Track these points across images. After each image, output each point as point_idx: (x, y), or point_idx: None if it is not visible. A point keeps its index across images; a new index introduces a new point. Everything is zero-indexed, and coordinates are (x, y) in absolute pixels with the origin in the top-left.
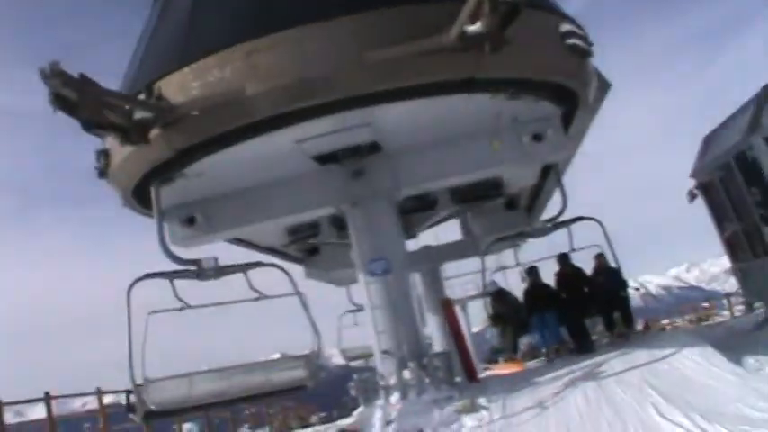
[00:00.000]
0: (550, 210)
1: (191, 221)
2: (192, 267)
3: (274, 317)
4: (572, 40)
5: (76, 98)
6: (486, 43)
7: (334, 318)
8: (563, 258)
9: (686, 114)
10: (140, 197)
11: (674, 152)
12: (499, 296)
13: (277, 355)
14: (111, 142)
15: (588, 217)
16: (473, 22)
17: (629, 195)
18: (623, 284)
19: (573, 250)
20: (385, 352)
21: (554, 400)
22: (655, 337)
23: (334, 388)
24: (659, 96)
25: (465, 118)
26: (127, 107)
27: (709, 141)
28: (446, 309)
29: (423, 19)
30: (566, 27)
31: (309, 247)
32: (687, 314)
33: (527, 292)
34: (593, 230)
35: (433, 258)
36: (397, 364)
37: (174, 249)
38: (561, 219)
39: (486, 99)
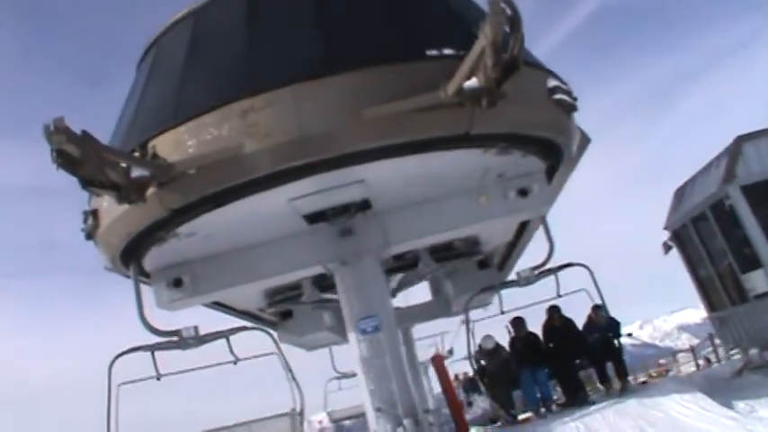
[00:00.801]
0: (522, 264)
1: (177, 284)
2: (174, 338)
3: (253, 382)
4: (559, 95)
5: (79, 155)
6: (484, 98)
7: (310, 384)
8: (553, 310)
9: (632, 176)
10: (127, 260)
11: (625, 215)
12: (494, 352)
13: None
14: (99, 202)
15: (577, 263)
16: (470, 78)
17: (581, 256)
18: (617, 333)
19: (559, 296)
20: (379, 410)
21: None
22: (643, 387)
23: None
24: (604, 159)
25: (453, 174)
26: (124, 165)
27: (681, 193)
28: (437, 366)
29: (419, 75)
30: (552, 82)
31: (284, 310)
32: (651, 369)
33: (515, 345)
34: (574, 278)
35: (404, 320)
36: (391, 422)
37: (161, 312)
38: (548, 266)
39: (477, 155)
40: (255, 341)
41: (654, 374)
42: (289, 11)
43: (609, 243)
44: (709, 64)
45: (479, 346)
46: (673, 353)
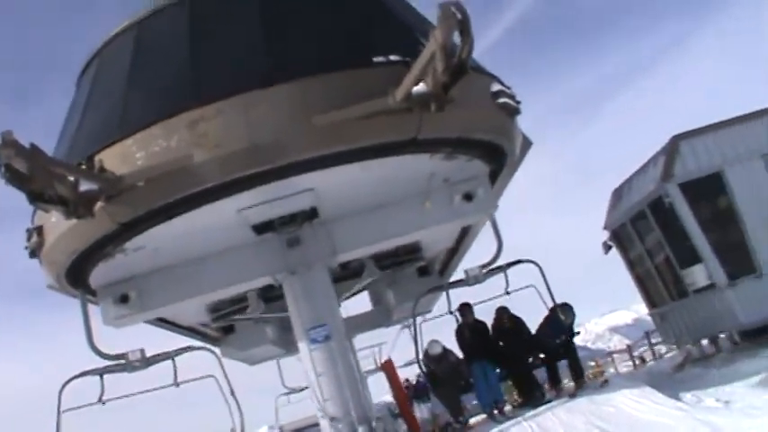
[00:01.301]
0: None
1: (124, 299)
2: (121, 361)
3: (196, 401)
4: (502, 99)
5: (28, 169)
6: (432, 103)
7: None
8: (503, 311)
9: (564, 179)
10: (73, 278)
11: (558, 216)
12: (443, 357)
13: None
14: (44, 218)
15: (526, 260)
16: (417, 83)
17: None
18: (572, 331)
19: (508, 293)
20: (333, 419)
21: None
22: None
23: None
24: (537, 161)
25: (400, 180)
26: (72, 179)
27: (619, 193)
28: (389, 371)
29: (367, 82)
30: (496, 86)
31: (226, 325)
32: (587, 371)
33: (462, 333)
34: (522, 276)
35: (346, 330)
36: (346, 430)
37: (103, 333)
38: (497, 264)
39: (424, 160)
40: (198, 360)
41: (591, 376)
42: (233, 19)
43: (540, 245)
44: (639, 68)
45: (426, 351)
46: (608, 353)
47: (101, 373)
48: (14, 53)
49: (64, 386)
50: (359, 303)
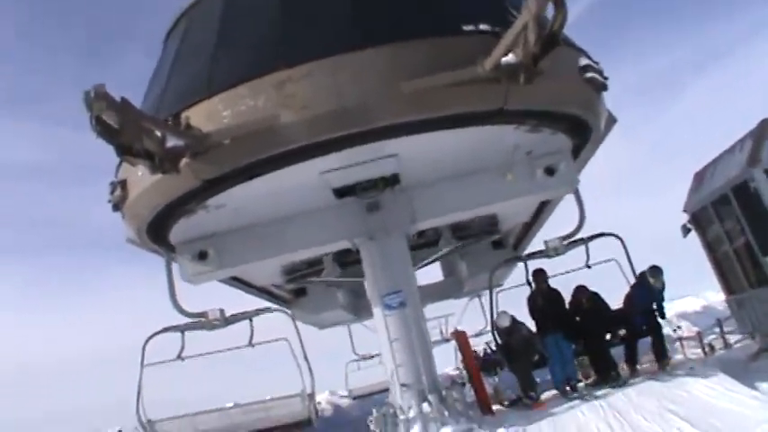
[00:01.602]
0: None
1: (202, 256)
2: (201, 319)
3: (267, 361)
4: (590, 74)
5: (118, 122)
6: (521, 74)
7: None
8: (580, 292)
9: (642, 161)
10: (153, 233)
11: (633, 199)
12: (513, 329)
13: None
14: (129, 172)
15: (609, 233)
16: (507, 54)
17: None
18: (662, 297)
19: (589, 266)
20: (404, 385)
21: (575, 429)
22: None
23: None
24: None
25: (484, 151)
26: (159, 135)
27: (701, 176)
28: (461, 342)
29: (456, 50)
30: (584, 61)
31: (298, 287)
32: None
33: (535, 301)
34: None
35: None
36: (416, 398)
37: (185, 285)
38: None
39: (509, 131)
40: (268, 321)
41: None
42: None
43: (610, 225)
44: (718, 52)
45: (495, 323)
46: (677, 339)
47: (182, 329)
48: (85, 14)
49: (147, 341)
50: (429, 273)
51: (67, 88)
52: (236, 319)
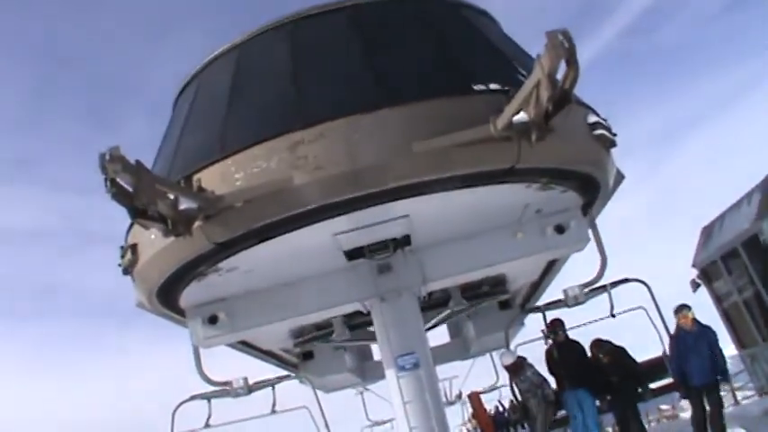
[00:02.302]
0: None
1: (213, 320)
2: (225, 388)
3: (291, 427)
4: (599, 131)
5: (133, 185)
6: (533, 132)
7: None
8: (597, 347)
9: (644, 217)
10: (163, 297)
11: (621, 259)
12: (518, 368)
13: None
14: (139, 236)
15: (634, 278)
16: (518, 112)
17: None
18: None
19: (614, 315)
20: None
21: None
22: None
23: None
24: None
25: (494, 210)
26: (172, 197)
27: (709, 231)
28: (475, 402)
29: (467, 110)
30: (592, 118)
31: (305, 351)
32: (652, 416)
33: (551, 355)
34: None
35: None
36: None
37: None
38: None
39: (520, 190)
40: (287, 387)
41: (664, 419)
42: (334, 45)
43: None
44: (713, 108)
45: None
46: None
47: (209, 397)
48: (87, 77)
49: (177, 408)
50: (434, 335)
51: (69, 152)
52: (258, 386)
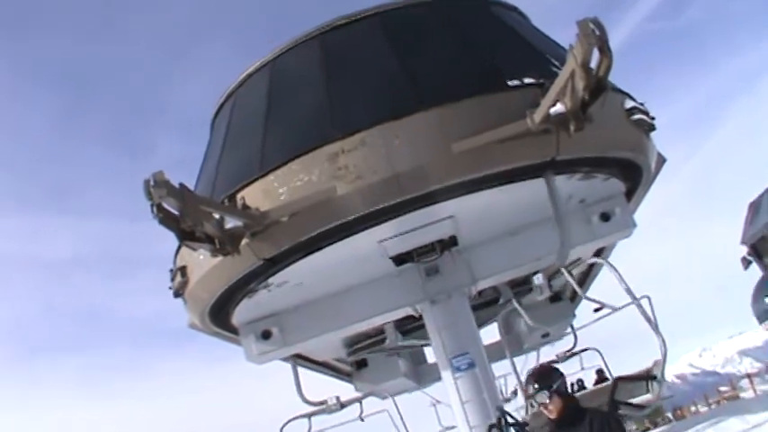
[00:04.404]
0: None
1: (266, 336)
2: (322, 406)
3: None
4: (637, 116)
5: (178, 208)
6: (571, 122)
7: None
8: None
9: (683, 199)
10: (214, 316)
11: (678, 239)
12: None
13: None
14: (188, 258)
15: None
16: (554, 104)
17: (642, 284)
18: None
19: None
20: None
21: None
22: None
23: None
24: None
25: (535, 204)
26: (217, 217)
27: (756, 206)
28: None
29: (503, 106)
30: (630, 103)
31: (359, 359)
32: (711, 398)
33: None
34: None
35: None
36: None
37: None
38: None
39: (562, 181)
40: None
41: (725, 400)
42: (366, 52)
43: (662, 267)
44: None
45: None
46: (745, 375)
47: (309, 416)
48: (114, 100)
49: (283, 426)
50: (486, 334)
51: (98, 179)
52: (348, 402)
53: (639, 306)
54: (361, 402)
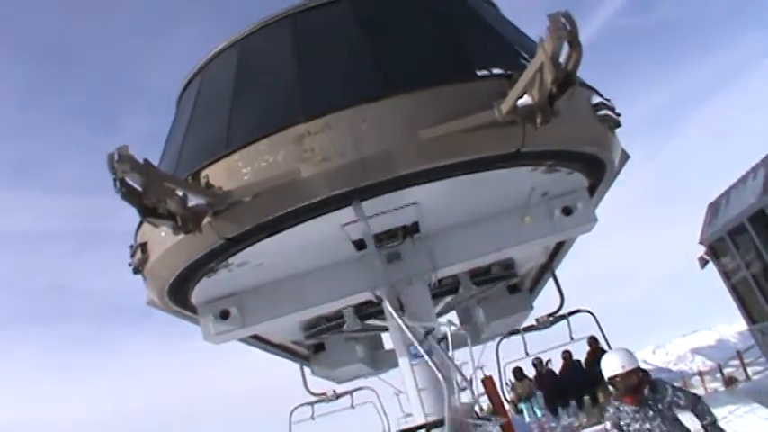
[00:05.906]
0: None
1: (224, 316)
2: (323, 397)
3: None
4: (603, 112)
5: (142, 184)
6: (538, 115)
7: None
8: None
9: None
10: (174, 294)
11: (625, 240)
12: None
13: None
14: (149, 234)
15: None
16: (522, 96)
17: (589, 282)
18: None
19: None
20: None
21: None
22: None
23: None
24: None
25: (501, 194)
26: (180, 195)
27: (715, 207)
28: (488, 386)
29: (471, 95)
30: (596, 99)
31: (316, 343)
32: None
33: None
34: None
35: None
36: None
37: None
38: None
39: (525, 173)
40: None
41: None
42: (336, 36)
43: (618, 266)
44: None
45: None
46: (697, 372)
47: (312, 403)
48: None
49: (293, 411)
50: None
51: (68, 154)
52: (343, 394)
53: None
54: (351, 394)
